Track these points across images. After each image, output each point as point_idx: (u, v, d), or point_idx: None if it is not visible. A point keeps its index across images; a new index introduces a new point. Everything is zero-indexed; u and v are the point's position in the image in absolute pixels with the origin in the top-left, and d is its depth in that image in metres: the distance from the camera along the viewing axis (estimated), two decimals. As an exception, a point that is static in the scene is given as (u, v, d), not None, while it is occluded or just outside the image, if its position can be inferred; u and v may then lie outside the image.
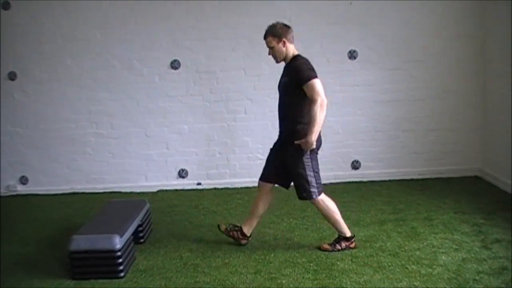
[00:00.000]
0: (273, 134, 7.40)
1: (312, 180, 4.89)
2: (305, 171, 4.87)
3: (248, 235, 5.30)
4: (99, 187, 7.62)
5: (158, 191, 7.54)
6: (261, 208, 5.24)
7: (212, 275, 4.66)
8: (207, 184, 7.58)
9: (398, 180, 7.40)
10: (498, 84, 6.77)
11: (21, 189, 7.70)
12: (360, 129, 7.47)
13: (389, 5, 7.20)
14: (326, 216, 5.06)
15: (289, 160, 4.94)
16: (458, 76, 7.34)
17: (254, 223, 5.29)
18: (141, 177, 7.67)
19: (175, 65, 7.35)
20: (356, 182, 7.44)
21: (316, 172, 4.93)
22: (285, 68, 5.07)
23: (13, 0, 7.29)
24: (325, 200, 4.99)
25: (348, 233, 5.06)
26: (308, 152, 4.84)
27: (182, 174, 7.62)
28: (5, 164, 7.66)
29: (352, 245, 5.06)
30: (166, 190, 7.55)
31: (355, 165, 7.52)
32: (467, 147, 7.48)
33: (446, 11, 7.21)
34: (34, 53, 7.40)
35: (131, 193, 7.48)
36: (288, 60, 4.99)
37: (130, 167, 7.64)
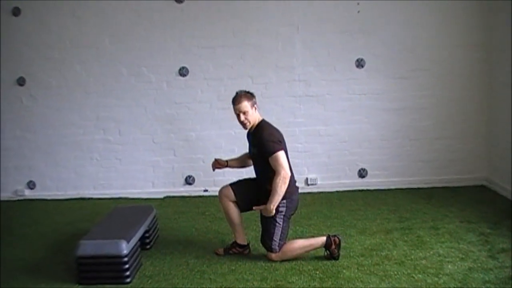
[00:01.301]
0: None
1: (276, 238, 4.96)
2: (274, 230, 4.95)
3: (246, 243, 5.31)
4: (106, 193, 7.64)
5: (165, 198, 7.56)
6: (236, 217, 5.21)
7: (218, 282, 4.67)
8: (214, 191, 7.56)
9: (404, 189, 7.39)
10: (504, 93, 6.76)
11: (28, 194, 7.74)
12: (367, 137, 7.48)
13: (396, 14, 7.22)
14: (295, 256, 5.06)
15: (264, 212, 4.97)
16: (464, 84, 7.34)
17: (241, 230, 5.28)
18: (148, 183, 7.69)
19: (183, 72, 7.39)
20: (362, 190, 7.44)
21: (283, 234, 5.00)
22: (251, 136, 5.10)
23: (24, 6, 7.35)
24: (284, 248, 5.01)
25: (323, 239, 5.02)
26: (283, 214, 4.94)
27: (189, 180, 7.64)
28: (12, 169, 7.70)
29: (337, 241, 5.00)
30: (173, 197, 7.57)
31: (362, 174, 7.52)
32: (473, 156, 7.47)
33: (453, 20, 7.22)
34: (43, 59, 7.46)
35: (138, 199, 7.50)
36: (254, 127, 5.03)
37: (137, 173, 7.66)
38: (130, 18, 7.34)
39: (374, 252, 5.17)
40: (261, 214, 5.03)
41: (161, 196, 7.59)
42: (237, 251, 5.27)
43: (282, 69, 7.32)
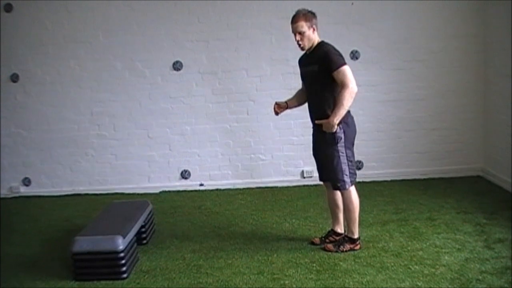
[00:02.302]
0: (275, 134, 7.47)
1: (345, 169, 4.83)
2: (339, 162, 4.81)
3: (343, 232, 5.19)
4: (101, 189, 7.63)
5: (160, 192, 7.56)
6: (340, 202, 5.10)
7: (215, 276, 4.66)
8: (209, 185, 7.58)
9: (401, 180, 7.40)
10: (500, 83, 6.76)
11: (24, 190, 7.72)
12: (363, 129, 7.41)
13: (390, 5, 7.20)
14: (346, 210, 4.99)
15: (323, 148, 4.89)
16: (459, 75, 7.33)
17: (341, 218, 5.17)
18: (144, 178, 7.68)
19: (177, 66, 7.36)
20: (358, 182, 7.40)
21: (351, 161, 4.87)
22: (308, 56, 4.95)
23: (16, 1, 7.31)
24: (353, 193, 4.94)
25: (355, 235, 5.03)
26: (343, 141, 4.77)
27: (185, 175, 7.63)
28: (7, 165, 7.68)
29: (357, 247, 5.03)
30: (169, 191, 7.56)
31: (358, 165, 7.50)
32: (469, 147, 7.47)
33: (448, 11, 7.21)
34: (36, 54, 7.43)
35: (133, 194, 7.49)
36: (313, 48, 4.88)
37: (132, 169, 7.65)
38: (123, 12, 7.32)
39: (371, 244, 5.16)
40: (324, 155, 4.91)
41: (157, 191, 7.58)
42: (333, 239, 5.16)
43: (277, 62, 7.30)
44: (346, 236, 5.07)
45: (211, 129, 7.52)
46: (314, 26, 4.83)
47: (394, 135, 7.47)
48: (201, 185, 7.63)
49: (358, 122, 7.28)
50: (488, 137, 7.27)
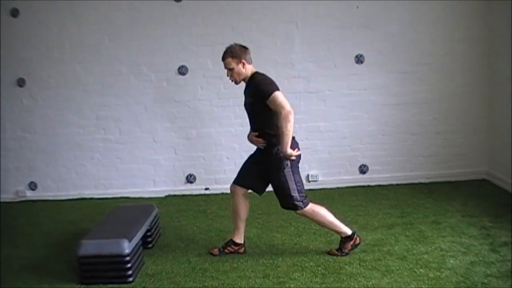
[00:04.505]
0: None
1: (295, 193, 4.87)
2: (288, 184, 4.86)
3: (242, 242, 5.28)
4: (107, 193, 7.64)
5: (166, 196, 7.57)
6: (243, 213, 5.22)
7: (221, 280, 4.67)
8: (215, 189, 7.59)
9: (405, 184, 7.39)
10: (504, 86, 6.76)
11: (30, 194, 7.74)
12: (367, 133, 7.47)
13: (395, 9, 7.21)
14: (319, 223, 5.07)
15: (270, 173, 4.94)
16: (464, 78, 7.33)
17: (242, 228, 5.27)
18: (149, 182, 7.69)
19: (182, 70, 7.38)
20: (363, 186, 7.44)
21: (299, 182, 4.91)
22: (246, 88, 5.07)
23: (22, 7, 7.34)
24: (313, 207, 4.98)
25: (348, 231, 5.04)
26: (289, 164, 4.82)
27: (190, 179, 7.64)
28: (13, 169, 7.70)
29: (357, 242, 5.06)
30: (174, 195, 7.57)
31: (363, 169, 7.51)
32: (474, 150, 7.47)
33: (452, 15, 7.21)
34: (42, 59, 7.45)
35: (139, 198, 7.50)
36: (247, 79, 4.99)
37: (138, 172, 7.67)
38: (129, 16, 7.34)
39: (376, 248, 5.17)
40: (271, 179, 4.97)
41: (163, 195, 7.59)
42: (232, 249, 5.24)
43: (282, 66, 7.30)
44: (342, 238, 5.08)
45: (217, 133, 7.53)
46: (243, 60, 4.94)
47: (399, 138, 7.47)
48: (207, 189, 7.64)
49: (363, 125, 7.41)
50: (493, 140, 7.27)
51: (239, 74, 4.95)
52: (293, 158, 4.77)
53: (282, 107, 4.66)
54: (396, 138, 7.47)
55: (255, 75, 4.97)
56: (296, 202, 4.88)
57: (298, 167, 4.96)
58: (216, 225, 6.18)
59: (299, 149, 4.88)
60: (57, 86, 7.51)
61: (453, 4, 7.18)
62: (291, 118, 4.66)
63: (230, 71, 4.97)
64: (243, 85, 4.80)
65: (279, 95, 4.71)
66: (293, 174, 4.87)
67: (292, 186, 4.86)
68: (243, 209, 5.21)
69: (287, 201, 4.92)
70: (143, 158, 7.64)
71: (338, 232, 5.07)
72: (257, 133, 4.98)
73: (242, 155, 7.48)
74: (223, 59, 5.01)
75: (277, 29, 7.27)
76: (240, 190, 5.18)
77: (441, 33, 7.25)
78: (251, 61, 5.01)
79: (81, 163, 7.68)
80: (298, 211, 4.94)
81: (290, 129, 4.68)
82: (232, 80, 5.03)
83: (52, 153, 7.66)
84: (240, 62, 4.92)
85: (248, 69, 4.96)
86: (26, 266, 5.23)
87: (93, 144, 7.62)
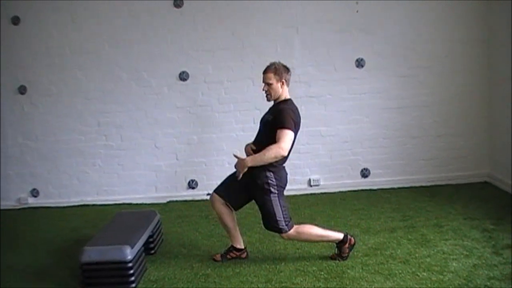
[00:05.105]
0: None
1: (280, 217, 4.88)
2: (274, 210, 4.87)
3: (243, 247, 5.29)
4: (109, 199, 7.65)
5: (168, 202, 7.57)
6: (230, 221, 5.20)
7: (223, 285, 4.67)
8: (216, 194, 7.58)
9: (407, 187, 7.39)
10: (505, 89, 6.76)
11: (32, 201, 7.74)
12: (368, 137, 7.47)
13: (395, 12, 7.22)
14: (308, 241, 5.14)
15: (257, 195, 4.96)
16: (464, 79, 7.34)
17: (237, 234, 5.27)
18: (151, 188, 7.69)
19: (183, 76, 7.39)
20: (365, 190, 7.43)
21: (284, 207, 4.93)
22: (273, 106, 5.07)
23: (23, 14, 7.36)
24: (297, 229, 4.96)
25: (340, 236, 5.02)
26: (275, 189, 4.87)
27: (192, 184, 7.64)
28: (15, 176, 7.71)
29: (352, 242, 5.04)
30: (176, 201, 7.57)
31: (365, 173, 7.51)
32: (475, 153, 7.47)
33: (452, 17, 7.23)
34: (43, 66, 7.47)
35: (141, 204, 7.50)
36: (279, 101, 5.00)
37: (139, 178, 7.67)
38: (130, 23, 7.35)
39: (379, 251, 5.17)
40: (256, 201, 4.99)
41: (164, 200, 7.59)
42: (234, 255, 5.24)
43: (282, 71, 7.31)
44: (336, 244, 5.06)
45: (218, 138, 7.54)
46: (283, 80, 4.97)
47: (400, 142, 7.47)
48: (208, 194, 7.55)
49: (363, 129, 7.42)
50: (494, 142, 7.27)
51: (276, 91, 4.95)
52: (239, 175, 4.88)
53: (281, 145, 4.71)
54: (397, 141, 7.47)
55: (288, 102, 5.00)
56: (281, 226, 4.90)
57: (283, 193, 5.01)
58: (218, 230, 6.16)
59: (286, 174, 5.01)
60: (58, 93, 7.53)
61: (453, 4, 7.20)
62: (278, 156, 4.73)
63: (268, 86, 4.95)
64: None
65: (288, 134, 4.74)
66: (279, 199, 4.90)
67: (278, 211, 4.88)
68: (228, 216, 5.18)
69: (271, 225, 4.94)
70: (145, 164, 7.64)
71: (331, 242, 5.09)
72: (255, 148, 4.99)
73: (244, 160, 7.49)
74: (265, 72, 4.99)
75: (277, 34, 7.29)
76: (219, 200, 5.15)
77: (441, 34, 7.26)
78: (289, 83, 5.05)
79: (83, 170, 7.68)
80: (283, 234, 4.94)
81: (268, 160, 4.75)
82: (266, 95, 5.02)
83: (54, 160, 7.67)
84: (280, 80, 4.94)
85: (284, 91, 5.00)
86: (28, 273, 5.23)
87: (94, 151, 7.63)
